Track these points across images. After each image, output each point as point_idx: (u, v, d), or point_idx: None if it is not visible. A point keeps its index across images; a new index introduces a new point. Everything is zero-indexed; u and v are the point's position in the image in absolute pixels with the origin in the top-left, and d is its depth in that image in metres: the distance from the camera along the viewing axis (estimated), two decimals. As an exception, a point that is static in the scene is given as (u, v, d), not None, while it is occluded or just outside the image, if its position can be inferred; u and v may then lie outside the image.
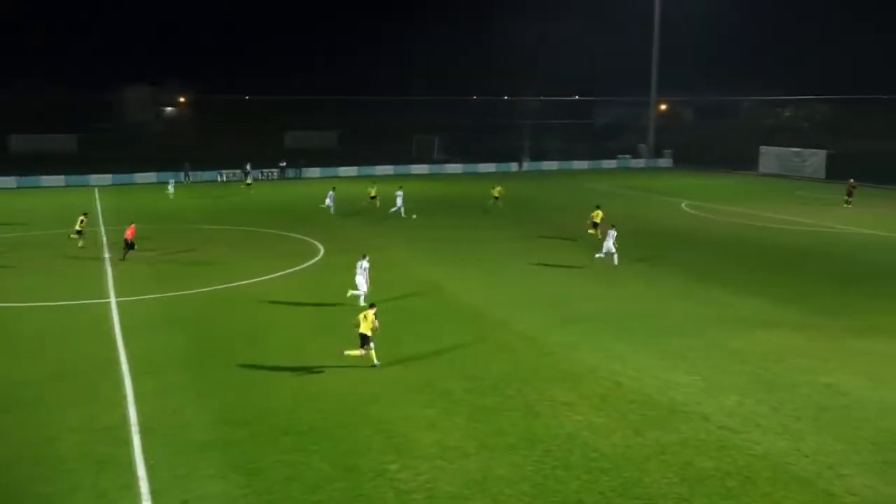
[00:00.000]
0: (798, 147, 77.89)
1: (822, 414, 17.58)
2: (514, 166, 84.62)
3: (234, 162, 74.44)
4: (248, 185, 64.84)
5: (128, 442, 16.35)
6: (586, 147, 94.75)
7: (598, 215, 40.04)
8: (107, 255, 36.06)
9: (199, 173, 72.30)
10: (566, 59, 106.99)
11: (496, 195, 51.27)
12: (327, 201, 49.85)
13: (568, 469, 15.10)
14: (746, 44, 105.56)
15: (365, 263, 27.00)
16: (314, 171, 76.79)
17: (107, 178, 70.43)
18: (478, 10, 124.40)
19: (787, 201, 56.32)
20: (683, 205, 54.60)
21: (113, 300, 27.74)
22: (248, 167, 73.68)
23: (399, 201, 48.09)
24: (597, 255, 33.83)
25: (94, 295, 28.48)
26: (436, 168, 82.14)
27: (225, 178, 72.90)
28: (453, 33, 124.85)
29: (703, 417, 17.39)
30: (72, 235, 38.27)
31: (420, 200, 54.53)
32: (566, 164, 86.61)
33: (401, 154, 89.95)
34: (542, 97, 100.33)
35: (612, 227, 34.58)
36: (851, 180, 55.34)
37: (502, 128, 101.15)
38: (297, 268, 33.27)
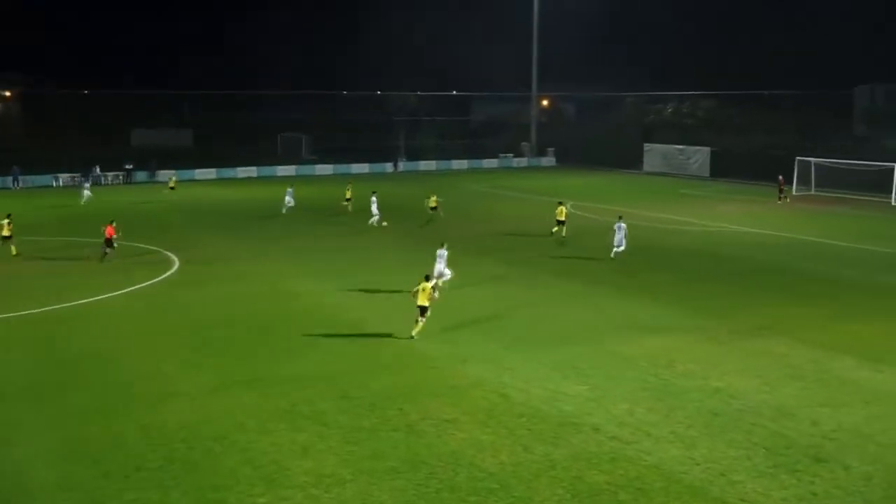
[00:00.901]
0: (682, 144, 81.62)
1: (714, 419, 18.40)
2: (389, 166, 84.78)
3: (73, 165, 71.09)
4: (172, 188, 62.30)
5: (-51, 489, 15.26)
6: (465, 145, 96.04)
7: (562, 212, 41.84)
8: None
9: (30, 178, 68.71)
10: (442, 52, 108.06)
11: (433, 205, 49.36)
12: (287, 199, 51.26)
13: (454, 491, 15.16)
14: (628, 37, 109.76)
15: (443, 251, 30.46)
16: (168, 174, 74.42)
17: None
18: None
19: (673, 200, 58.84)
20: (568, 206, 56.01)
21: (-72, 325, 25.89)
22: (96, 170, 70.87)
23: (374, 208, 46.25)
24: (615, 250, 36.19)
25: None
26: (305, 169, 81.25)
27: (62, 183, 69.54)
28: (321, 22, 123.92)
29: (594, 429, 17.86)
30: None
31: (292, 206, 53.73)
32: (445, 164, 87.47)
33: (265, 154, 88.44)
34: (418, 92, 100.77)
35: (620, 218, 37.07)
36: (780, 177, 59.14)
37: (376, 125, 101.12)
38: (147, 282, 32.09)
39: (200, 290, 30.80)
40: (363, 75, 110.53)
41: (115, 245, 35.99)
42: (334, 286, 31.36)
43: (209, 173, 76.16)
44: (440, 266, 30.09)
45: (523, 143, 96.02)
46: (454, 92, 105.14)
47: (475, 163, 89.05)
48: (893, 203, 56.75)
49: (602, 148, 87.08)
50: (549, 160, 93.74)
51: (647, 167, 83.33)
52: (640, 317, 27.04)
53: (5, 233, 36.92)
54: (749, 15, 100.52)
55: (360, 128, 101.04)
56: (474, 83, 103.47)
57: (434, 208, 49.16)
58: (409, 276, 32.98)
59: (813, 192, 62.86)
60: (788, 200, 58.39)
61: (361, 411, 18.79)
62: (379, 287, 31.25)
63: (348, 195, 51.67)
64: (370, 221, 46.07)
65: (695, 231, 45.79)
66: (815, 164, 63.38)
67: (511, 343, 23.93)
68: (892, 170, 58.10)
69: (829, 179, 61.78)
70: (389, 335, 24.64)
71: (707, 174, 76.74)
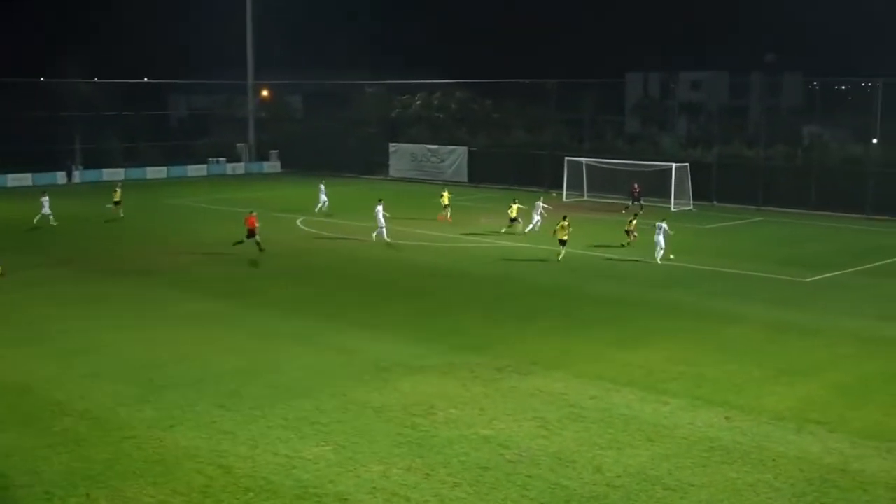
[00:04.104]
0: (435, 143, 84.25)
1: (484, 475, 19.08)
2: (61, 176, 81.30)
3: None
4: (117, 202, 57.62)
5: None
6: (163, 148, 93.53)
7: (633, 224, 46.77)
8: None
9: None
10: (129, 28, 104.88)
11: (446, 201, 55.67)
12: (321, 197, 59.74)
13: None
14: (367, 16, 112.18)
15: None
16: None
17: None
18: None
19: (422, 211, 60.48)
20: (299, 221, 56.24)
21: None
22: None
23: (381, 218, 48.14)
24: (659, 260, 42.13)
25: None
26: (-65, 183, 75.74)
27: None
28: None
29: (340, 499, 17.96)
30: None
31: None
32: (136, 172, 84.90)
33: None
34: (96, 80, 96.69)
35: (664, 220, 43.55)
36: (636, 185, 61.75)
37: (40, 123, 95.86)
38: None
39: None
40: (22, 56, 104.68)
41: (258, 237, 43.26)
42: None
43: None
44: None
45: (239, 145, 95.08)
46: (146, 79, 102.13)
47: (177, 170, 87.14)
48: (673, 209, 61.91)
49: (338, 149, 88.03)
50: (272, 165, 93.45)
51: (394, 171, 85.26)
52: (390, 357, 27.55)
53: None
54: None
55: (18, 126, 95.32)
56: (173, 68, 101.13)
57: (447, 205, 55.34)
58: (88, 319, 31.76)
59: (586, 198, 67.15)
60: (642, 211, 60.09)
61: (30, 503, 17.72)
62: (47, 332, 29.94)
63: (445, 202, 55.93)
64: (374, 235, 47.85)
65: (451, 248, 47.38)
66: (586, 164, 67.77)
67: (228, 400, 23.59)
68: (671, 170, 63.33)
69: (602, 182, 66.22)
70: (67, 400, 23.49)
71: (465, 178, 79.71)
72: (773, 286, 38.85)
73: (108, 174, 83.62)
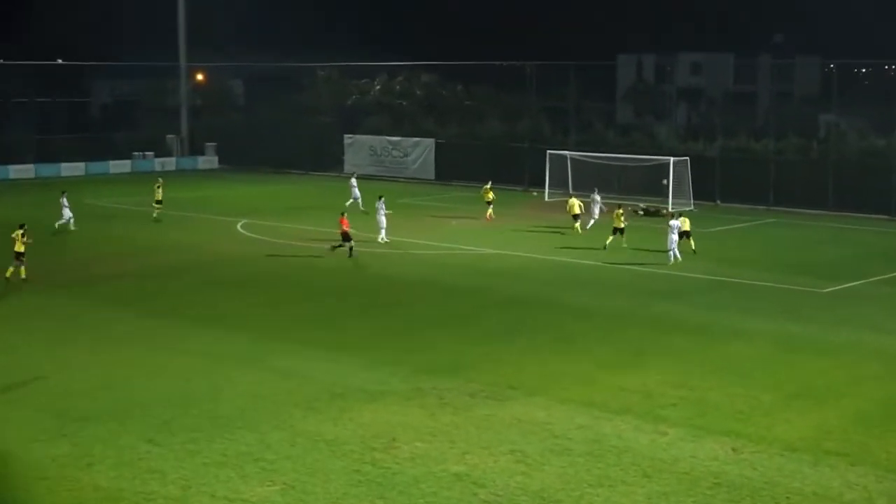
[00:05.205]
0: (397, 135, 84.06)
1: (433, 518, 19.02)
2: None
3: None
4: (160, 202, 58.65)
5: None
6: (82, 141, 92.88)
7: (696, 239, 47.38)
8: None
9: None
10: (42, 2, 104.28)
11: (489, 199, 58.63)
12: (354, 192, 61.08)
13: None
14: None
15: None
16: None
17: None
18: None
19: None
20: (239, 226, 55.94)
21: None
22: None
23: (382, 217, 50.04)
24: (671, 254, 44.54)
25: None
26: None
27: None
28: None
29: (289, 548, 17.85)
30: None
31: None
32: (49, 168, 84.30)
33: None
34: (2, 61, 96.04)
35: (680, 216, 46.60)
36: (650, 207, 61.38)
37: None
38: None
39: None
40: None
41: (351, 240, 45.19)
42: None
43: None
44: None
45: (169, 137, 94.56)
46: (60, 61, 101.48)
47: (97, 166, 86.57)
48: (671, 209, 62.07)
49: (285, 141, 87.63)
50: (208, 160, 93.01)
51: (349, 167, 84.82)
52: (346, 381, 27.42)
53: (18, 248, 39.82)
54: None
55: None
56: (93, 48, 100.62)
57: (490, 202, 58.18)
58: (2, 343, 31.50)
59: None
60: (638, 214, 60.25)
61: (-75, 556, 17.52)
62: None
63: (490, 196, 58.39)
64: (380, 238, 49.44)
65: (421, 255, 47.26)
66: (571, 158, 67.73)
67: (157, 433, 23.37)
68: (668, 165, 63.33)
69: (590, 179, 66.09)
70: (-31, 434, 23.21)
71: (432, 175, 79.62)
72: (785, 297, 38.98)
73: (16, 171, 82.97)
